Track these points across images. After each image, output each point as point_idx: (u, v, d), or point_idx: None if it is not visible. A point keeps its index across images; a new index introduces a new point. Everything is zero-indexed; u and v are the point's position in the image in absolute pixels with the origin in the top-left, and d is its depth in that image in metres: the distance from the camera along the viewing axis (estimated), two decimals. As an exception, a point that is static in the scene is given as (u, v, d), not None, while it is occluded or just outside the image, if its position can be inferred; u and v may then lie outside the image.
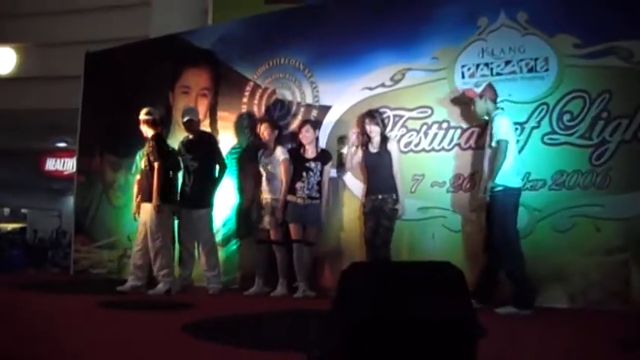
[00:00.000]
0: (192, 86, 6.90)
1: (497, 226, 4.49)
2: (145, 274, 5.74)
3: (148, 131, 5.82)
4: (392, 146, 5.29)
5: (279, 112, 6.23)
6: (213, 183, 5.83)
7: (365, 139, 5.39)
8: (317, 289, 5.49)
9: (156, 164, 5.60)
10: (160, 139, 5.82)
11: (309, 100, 6.07)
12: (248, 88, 6.45)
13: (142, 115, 5.81)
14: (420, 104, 5.40)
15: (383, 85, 5.62)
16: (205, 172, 5.83)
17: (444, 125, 5.31)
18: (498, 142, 4.56)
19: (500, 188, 4.51)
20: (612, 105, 4.69)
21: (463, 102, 5.20)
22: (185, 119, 5.90)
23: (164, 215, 5.63)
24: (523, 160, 4.82)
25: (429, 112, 5.38)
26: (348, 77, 5.79)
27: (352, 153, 5.44)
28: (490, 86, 4.87)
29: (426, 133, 5.38)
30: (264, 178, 5.74)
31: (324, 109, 5.93)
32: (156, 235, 5.59)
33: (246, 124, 6.42)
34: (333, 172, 5.68)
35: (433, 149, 5.32)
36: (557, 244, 4.69)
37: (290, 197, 5.58)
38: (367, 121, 5.33)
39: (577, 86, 4.81)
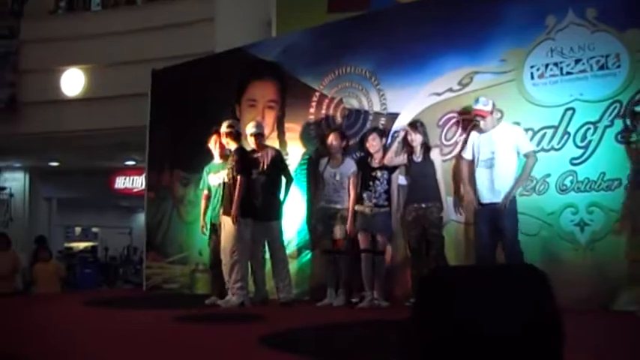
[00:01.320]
0: (258, 99, 7.15)
1: (514, 231, 5.00)
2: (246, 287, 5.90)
3: (230, 144, 6.02)
4: (434, 155, 5.51)
5: (347, 121, 6.43)
6: (281, 196, 6.14)
7: (408, 149, 5.61)
8: (387, 299, 5.65)
9: (239, 177, 5.75)
10: (243, 152, 5.99)
11: (376, 107, 6.24)
12: (314, 99, 6.65)
13: (224, 128, 6.01)
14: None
15: (450, 89, 5.75)
16: (273, 185, 6.11)
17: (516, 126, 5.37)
18: (529, 154, 5.09)
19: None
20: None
21: (534, 103, 5.34)
22: (253, 132, 6.19)
23: (242, 228, 5.77)
24: (597, 159, 4.95)
25: (499, 114, 5.46)
26: (415, 83, 5.94)
27: (392, 156, 5.65)
28: (495, 106, 5.24)
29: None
30: (329, 188, 5.96)
31: (392, 117, 6.09)
32: (234, 247, 5.72)
33: (313, 134, 6.65)
34: (403, 180, 5.83)
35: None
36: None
37: (357, 207, 5.79)
38: (410, 130, 5.56)
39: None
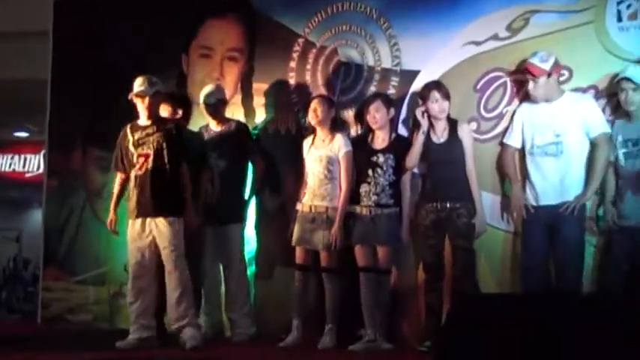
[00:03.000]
0: (215, 46, 7.01)
1: (578, 245, 5.12)
2: (153, 320, 5.84)
3: (164, 111, 5.91)
4: (464, 133, 5.47)
5: (342, 80, 6.31)
6: (246, 189, 6.11)
7: (427, 124, 5.57)
8: (393, 340, 5.60)
9: (184, 164, 5.73)
10: (183, 127, 5.90)
11: (386, 63, 6.15)
12: (297, 48, 6.53)
13: (139, 87, 5.81)
14: None
15: (496, 37, 5.69)
16: (236, 174, 6.11)
17: (591, 93, 5.32)
18: (598, 139, 5.08)
19: None
20: None
21: (621, 57, 5.22)
22: (209, 101, 6.11)
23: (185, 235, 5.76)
24: None
25: (567, 74, 5.40)
26: (443, 28, 5.90)
27: (420, 144, 5.57)
28: (558, 63, 5.21)
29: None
30: (313, 178, 5.89)
31: (409, 76, 6.02)
32: (178, 263, 5.68)
33: (296, 100, 6.51)
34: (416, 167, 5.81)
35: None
36: None
37: (351, 206, 5.71)
38: (431, 96, 5.49)
39: None
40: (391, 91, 6.05)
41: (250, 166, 6.24)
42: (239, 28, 6.91)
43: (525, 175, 5.33)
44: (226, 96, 6.42)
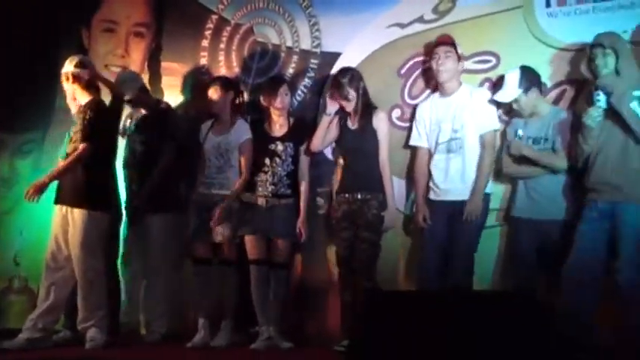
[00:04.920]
0: (119, 20, 6.94)
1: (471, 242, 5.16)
2: (56, 318, 5.78)
3: (79, 94, 5.80)
4: (379, 121, 5.47)
5: (258, 62, 6.30)
6: (172, 175, 6.03)
7: (334, 107, 5.58)
8: (294, 338, 5.59)
9: (81, 146, 5.61)
10: (100, 108, 5.79)
11: (305, 43, 6.14)
12: (210, 25, 6.51)
13: (70, 67, 5.79)
14: (480, 49, 5.44)
15: (422, 19, 5.67)
16: (155, 159, 6.00)
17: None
18: (486, 136, 5.14)
19: None
20: None
21: (549, 44, 5.23)
22: (128, 97, 6.04)
23: (102, 228, 5.67)
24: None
25: (494, 61, 5.41)
26: (366, 9, 5.88)
27: (325, 126, 5.58)
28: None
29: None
30: (211, 165, 5.89)
31: (330, 58, 6.00)
32: (89, 258, 5.59)
33: (207, 81, 6.32)
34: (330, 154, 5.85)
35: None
36: None
37: (246, 195, 5.72)
38: (343, 83, 5.46)
39: None
40: (311, 73, 6.05)
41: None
42: (146, 1, 6.87)
43: (429, 173, 5.34)
44: (141, 80, 6.33)
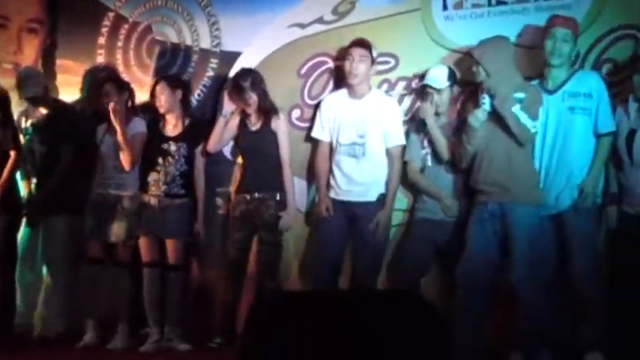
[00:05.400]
0: (11, 15, 6.79)
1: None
2: None
3: None
4: (279, 123, 5.50)
5: (157, 61, 6.26)
6: (72, 176, 5.89)
7: (230, 108, 5.61)
8: (190, 339, 5.54)
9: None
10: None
11: (205, 43, 6.11)
12: (107, 23, 6.43)
13: None
14: (379, 51, 5.41)
15: (322, 20, 5.70)
16: (55, 159, 5.88)
17: (417, 83, 5.36)
18: (393, 148, 5.18)
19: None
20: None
21: (446, 46, 5.33)
22: (31, 88, 5.87)
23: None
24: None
25: (393, 62, 5.47)
26: (266, 9, 5.87)
27: (222, 127, 5.60)
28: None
29: (388, 94, 5.46)
30: (108, 165, 5.81)
31: (229, 58, 5.98)
32: None
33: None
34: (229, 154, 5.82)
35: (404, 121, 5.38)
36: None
37: (140, 196, 5.69)
38: (244, 87, 5.47)
39: (626, 19, 4.86)
40: (210, 73, 6.02)
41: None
42: (39, -4, 6.69)
43: (331, 170, 5.36)
44: (43, 77, 6.19)
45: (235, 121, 5.56)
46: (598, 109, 4.62)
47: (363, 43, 5.20)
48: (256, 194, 5.42)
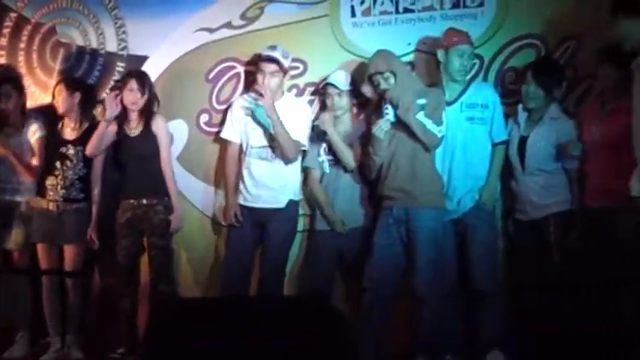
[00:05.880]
0: None
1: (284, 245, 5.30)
2: None
3: None
4: (159, 127, 5.46)
5: (62, 63, 6.16)
6: None
7: (121, 115, 5.49)
8: (94, 349, 5.50)
9: None
10: None
11: (111, 46, 6.04)
12: (8, 24, 6.32)
13: None
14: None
15: (230, 25, 5.71)
16: None
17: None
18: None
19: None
20: (580, 58, 4.91)
21: (354, 53, 5.38)
22: None
23: None
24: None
25: (301, 68, 5.50)
26: (174, 12, 5.83)
27: (103, 132, 5.46)
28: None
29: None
30: (4, 170, 5.68)
31: (136, 62, 5.93)
32: None
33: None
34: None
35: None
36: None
37: (35, 201, 5.59)
38: (128, 84, 5.43)
39: (528, 29, 5.00)
40: (116, 76, 5.92)
41: None
42: None
43: (241, 174, 5.35)
44: None
45: (114, 126, 5.46)
46: (493, 119, 4.80)
47: (271, 58, 5.14)
48: (144, 200, 5.36)
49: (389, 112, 4.69)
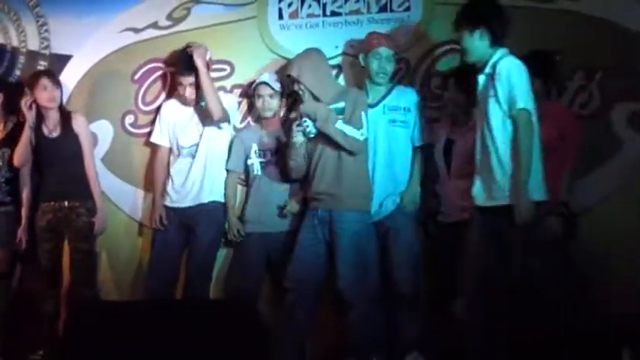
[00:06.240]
0: None
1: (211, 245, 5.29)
2: None
3: None
4: (80, 127, 5.40)
5: None
6: None
7: (33, 116, 5.37)
8: (15, 351, 5.43)
9: None
10: None
11: (33, 44, 5.95)
12: None
13: None
14: (215, 58, 5.44)
15: (156, 25, 5.70)
16: None
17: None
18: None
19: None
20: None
21: (282, 55, 5.39)
22: None
23: None
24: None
25: (228, 69, 5.51)
26: (98, 11, 5.79)
27: (28, 139, 5.36)
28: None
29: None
30: None
31: (60, 61, 5.85)
32: None
33: None
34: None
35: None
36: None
37: None
38: (39, 83, 5.33)
39: (453, 34, 4.93)
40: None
41: None
42: None
43: (169, 176, 5.34)
44: None
45: (32, 130, 5.36)
46: (415, 123, 4.86)
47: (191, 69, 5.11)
48: (66, 203, 5.28)
49: (308, 125, 4.70)
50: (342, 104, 4.74)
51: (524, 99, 4.01)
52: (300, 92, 4.81)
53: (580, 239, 4.58)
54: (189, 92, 5.17)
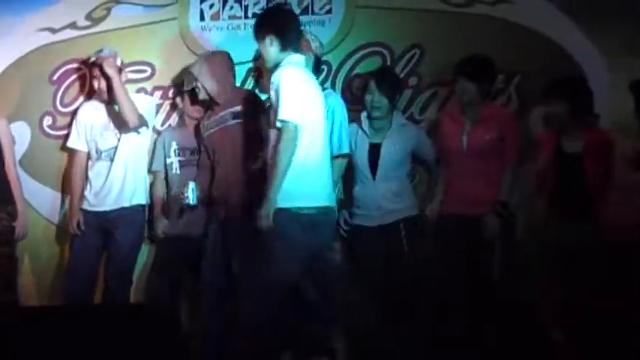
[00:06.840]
0: None
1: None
2: None
3: None
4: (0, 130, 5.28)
5: None
6: None
7: None
8: None
9: None
10: None
11: None
12: None
13: None
14: (135, 59, 5.48)
15: (75, 25, 5.64)
16: None
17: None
18: None
19: None
20: (424, 67, 5.08)
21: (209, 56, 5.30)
22: None
23: None
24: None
25: (149, 71, 5.50)
26: (12, 11, 5.71)
27: None
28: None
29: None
30: None
31: None
32: None
33: None
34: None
35: (154, 129, 5.40)
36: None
37: None
38: None
39: (374, 37, 5.11)
40: (-48, 77, 5.67)
41: None
42: None
43: (87, 179, 5.29)
44: None
45: None
46: (333, 130, 4.70)
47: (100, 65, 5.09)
48: None
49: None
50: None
51: (285, 110, 4.06)
52: (197, 90, 4.84)
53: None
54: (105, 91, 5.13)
